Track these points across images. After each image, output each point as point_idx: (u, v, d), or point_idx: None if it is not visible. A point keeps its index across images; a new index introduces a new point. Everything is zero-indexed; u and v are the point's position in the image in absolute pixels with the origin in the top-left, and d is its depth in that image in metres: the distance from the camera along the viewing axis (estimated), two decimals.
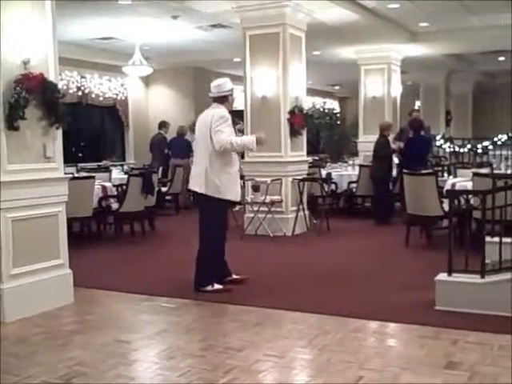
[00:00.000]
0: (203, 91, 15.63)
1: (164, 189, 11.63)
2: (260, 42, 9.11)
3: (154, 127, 13.85)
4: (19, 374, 3.80)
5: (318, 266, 6.96)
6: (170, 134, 13.28)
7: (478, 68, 17.98)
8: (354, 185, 10.97)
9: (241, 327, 4.80)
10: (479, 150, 17.19)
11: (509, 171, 9.11)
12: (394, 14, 10.86)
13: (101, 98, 14.43)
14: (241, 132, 6.20)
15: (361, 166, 11.29)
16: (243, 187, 8.52)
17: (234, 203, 6.39)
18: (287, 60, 9.03)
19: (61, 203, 5.42)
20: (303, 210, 9.36)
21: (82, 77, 13.81)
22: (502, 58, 15.85)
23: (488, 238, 5.24)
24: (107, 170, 11.65)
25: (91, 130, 14.94)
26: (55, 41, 5.31)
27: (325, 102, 22.61)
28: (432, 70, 16.95)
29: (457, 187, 7.73)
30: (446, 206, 7.30)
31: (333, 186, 11.02)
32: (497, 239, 5.06)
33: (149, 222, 9.51)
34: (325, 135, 19.26)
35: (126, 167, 14.00)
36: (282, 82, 9.06)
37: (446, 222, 7.37)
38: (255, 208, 8.95)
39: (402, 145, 10.23)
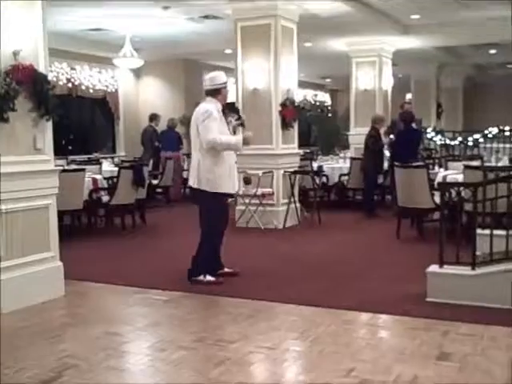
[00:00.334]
0: (194, 83, 15.85)
1: (155, 181, 11.59)
2: (251, 33, 9.08)
3: (145, 120, 13.79)
4: (11, 367, 3.78)
5: (310, 259, 6.96)
6: (161, 127, 13.23)
7: (469, 61, 18.01)
8: (345, 177, 10.98)
9: (233, 319, 4.80)
10: (470, 143, 17.25)
11: (499, 164, 9.14)
12: (385, 7, 10.84)
13: (91, 90, 14.33)
14: (242, 126, 6.11)
15: (352, 158, 11.31)
16: None
17: (230, 196, 6.33)
18: (279, 52, 9.00)
19: (51, 195, 5.38)
20: (294, 202, 9.37)
21: (72, 68, 13.70)
22: (493, 51, 15.88)
23: (479, 231, 5.25)
24: (97, 162, 11.61)
25: (81, 123, 14.84)
26: (45, 32, 5.26)
27: (316, 95, 22.60)
28: (423, 63, 16.96)
29: (448, 180, 7.76)
30: (437, 199, 7.32)
31: (324, 179, 11.04)
32: (487, 231, 5.08)
33: (140, 215, 9.48)
34: (316, 128, 19.24)
35: (116, 160, 13.94)
36: (274, 74, 9.04)
37: (437, 215, 7.39)
38: (246, 200, 8.94)
39: (393, 137, 10.24)
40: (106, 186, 9.18)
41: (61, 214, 6.66)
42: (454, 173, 8.31)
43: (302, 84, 16.45)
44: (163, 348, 4.11)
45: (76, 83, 13.84)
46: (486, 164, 9.41)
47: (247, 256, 6.87)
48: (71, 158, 12.79)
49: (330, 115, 20.57)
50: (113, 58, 12.17)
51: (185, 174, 13.05)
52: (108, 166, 11.44)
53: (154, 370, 3.76)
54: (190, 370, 3.72)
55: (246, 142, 5.77)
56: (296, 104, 9.49)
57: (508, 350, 3.98)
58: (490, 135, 17.39)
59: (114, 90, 15.07)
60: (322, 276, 6.14)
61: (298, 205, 9.50)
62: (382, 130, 10.58)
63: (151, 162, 12.09)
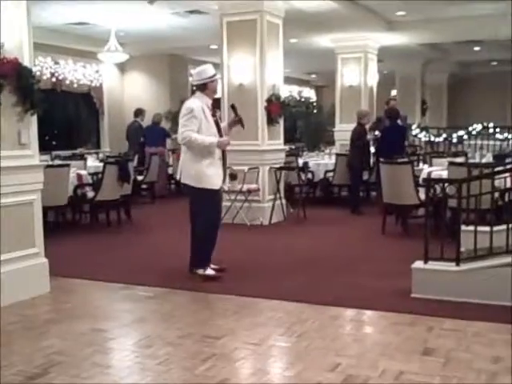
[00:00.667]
0: (179, 78, 15.78)
1: (140, 177, 11.54)
2: (237, 28, 9.06)
3: (130, 115, 13.70)
4: None
5: (295, 255, 6.98)
6: (146, 122, 13.16)
7: (454, 58, 18.11)
8: (331, 174, 11.01)
9: (219, 315, 4.81)
10: (454, 140, 17.36)
11: (483, 160, 9.21)
12: (371, 3, 10.86)
13: (75, 85, 14.21)
14: (240, 123, 6.02)
15: (337, 154, 11.34)
16: None
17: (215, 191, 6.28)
18: (265, 47, 8.99)
19: (36, 191, 5.34)
20: (280, 198, 9.38)
21: (56, 63, 13.58)
22: (477, 48, 15.99)
23: (463, 227, 5.30)
24: (82, 157, 11.53)
25: (65, 118, 14.71)
26: (30, 25, 5.20)
27: (302, 91, 22.61)
28: (408, 60, 17.03)
29: (433, 176, 7.80)
30: (421, 195, 7.37)
31: (309, 175, 11.06)
32: (472, 228, 5.12)
33: (125, 211, 9.43)
34: (302, 124, 19.25)
35: (101, 155, 13.86)
36: (260, 70, 9.03)
37: (421, 211, 7.44)
38: (232, 197, 8.94)
39: (378, 134, 10.28)
40: (90, 181, 9.13)
41: (45, 210, 6.61)
42: (438, 169, 8.36)
43: (288, 80, 16.43)
44: (149, 344, 4.11)
45: (60, 78, 13.71)
46: (471, 160, 9.47)
47: (233, 252, 6.88)
48: (55, 153, 12.69)
49: (315, 111, 20.57)
50: (97, 52, 12.08)
51: (170, 170, 13.04)
52: (93, 162, 11.37)
53: (140, 367, 3.75)
54: (176, 366, 3.71)
55: (220, 145, 5.71)
56: (282, 100, 9.49)
57: (491, 345, 4.02)
58: (474, 132, 17.52)
59: (98, 85, 14.96)
60: (307, 272, 6.16)
61: (283, 201, 9.52)
62: (368, 126, 10.61)
63: (136, 157, 12.03)
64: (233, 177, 8.90)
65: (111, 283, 5.76)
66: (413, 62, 17.65)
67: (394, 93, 18.42)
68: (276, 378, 3.65)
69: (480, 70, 20.26)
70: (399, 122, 10.52)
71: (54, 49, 13.12)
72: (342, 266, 6.43)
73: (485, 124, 17.55)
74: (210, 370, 3.64)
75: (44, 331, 4.41)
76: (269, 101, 9.09)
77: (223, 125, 5.96)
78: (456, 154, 11.46)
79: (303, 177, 10.38)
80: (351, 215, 9.93)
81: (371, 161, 10.53)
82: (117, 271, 6.20)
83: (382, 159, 8.92)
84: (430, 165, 9.92)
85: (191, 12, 10.76)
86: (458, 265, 4.98)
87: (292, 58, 12.29)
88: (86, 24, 11.72)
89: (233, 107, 5.98)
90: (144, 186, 12.02)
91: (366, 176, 10.70)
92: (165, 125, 13.74)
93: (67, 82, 13.94)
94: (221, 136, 5.77)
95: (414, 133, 17.13)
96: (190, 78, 15.91)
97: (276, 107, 9.19)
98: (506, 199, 6.45)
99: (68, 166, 8.54)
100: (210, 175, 5.70)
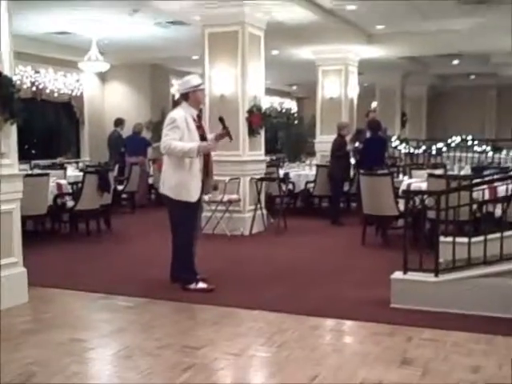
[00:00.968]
0: (161, 89, 15.76)
1: (120, 187, 11.49)
2: (219, 40, 9.09)
3: (110, 124, 13.64)
4: None
5: (276, 265, 6.99)
6: (126, 132, 13.11)
7: (433, 71, 18.36)
8: (311, 185, 11.05)
9: (199, 325, 4.80)
10: (433, 152, 17.54)
11: (462, 172, 9.32)
12: (351, 16, 10.98)
13: (55, 94, 14.14)
14: (228, 135, 6.00)
15: (318, 166, 11.39)
16: None
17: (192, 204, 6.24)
18: (246, 59, 9.04)
19: (15, 200, 5.29)
20: (261, 209, 9.40)
21: (36, 72, 13.51)
22: (455, 62, 16.22)
23: (442, 238, 5.34)
24: (62, 167, 11.45)
25: (45, 127, 14.62)
26: (10, 34, 5.18)
27: (283, 102, 22.72)
28: (388, 72, 17.22)
29: (412, 188, 7.87)
30: (401, 206, 7.42)
31: (290, 186, 11.09)
32: (450, 239, 5.17)
33: (104, 221, 9.38)
34: (282, 135, 19.33)
35: (81, 164, 13.78)
36: (241, 81, 9.07)
37: (401, 222, 7.49)
38: (213, 207, 8.93)
39: (359, 145, 10.36)
40: (70, 191, 9.07)
41: (24, 219, 6.55)
42: (418, 181, 8.43)
43: (269, 91, 16.51)
44: (128, 355, 4.08)
45: (40, 87, 13.65)
46: (449, 172, 9.57)
47: (213, 262, 6.86)
48: (34, 162, 12.59)
49: (296, 122, 20.67)
50: (78, 61, 12.04)
51: (150, 180, 13.00)
52: (72, 171, 11.30)
53: (119, 377, 3.73)
54: (156, 377, 3.70)
55: (201, 150, 5.68)
56: (263, 111, 9.53)
57: (470, 355, 4.06)
58: (453, 144, 17.73)
59: (78, 94, 14.90)
60: (287, 282, 6.17)
61: (264, 211, 9.53)
62: (348, 138, 10.69)
63: (117, 167, 11.97)
64: (214, 187, 8.89)
65: (91, 293, 5.72)
66: (393, 74, 17.86)
67: (374, 105, 18.58)
68: None
69: (459, 83, 20.55)
70: (380, 133, 10.61)
71: (34, 58, 13.05)
72: (322, 276, 6.45)
73: (463, 136, 17.77)
74: (190, 380, 3.63)
75: (22, 341, 4.35)
76: (250, 112, 9.13)
77: (210, 137, 5.94)
78: (435, 166, 11.57)
79: (284, 187, 10.41)
80: (331, 226, 9.97)
81: (351, 172, 10.60)
82: (96, 281, 6.15)
83: (362, 171, 8.98)
84: (410, 176, 9.99)
85: (173, 23, 10.79)
86: (436, 275, 5.03)
87: (273, 69, 12.35)
88: (66, 33, 11.69)
89: (221, 120, 5.95)
90: (124, 196, 11.96)
91: (346, 187, 10.76)
92: (145, 135, 13.71)
93: (47, 91, 13.88)
94: None
95: (393, 144, 17.29)
96: (172, 89, 15.94)
97: (257, 118, 9.22)
98: (484, 211, 6.52)
99: (47, 175, 8.48)
100: (189, 188, 5.67)
